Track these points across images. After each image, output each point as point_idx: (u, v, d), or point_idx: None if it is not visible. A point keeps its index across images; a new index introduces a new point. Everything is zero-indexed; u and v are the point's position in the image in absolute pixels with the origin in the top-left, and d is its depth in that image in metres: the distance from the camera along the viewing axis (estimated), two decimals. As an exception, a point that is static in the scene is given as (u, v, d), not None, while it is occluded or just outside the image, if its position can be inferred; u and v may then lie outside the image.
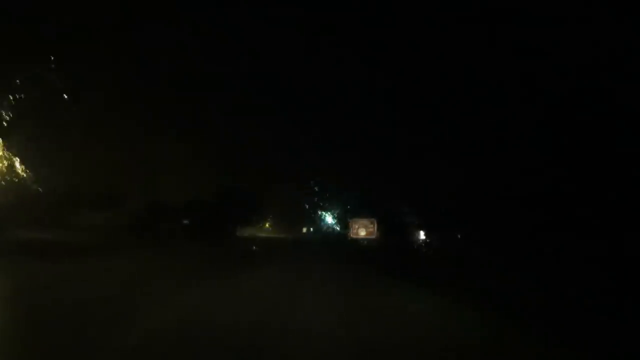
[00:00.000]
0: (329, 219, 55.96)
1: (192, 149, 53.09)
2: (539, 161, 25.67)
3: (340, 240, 35.29)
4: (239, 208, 44.65)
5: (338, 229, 47.95)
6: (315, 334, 7.23)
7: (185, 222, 41.74)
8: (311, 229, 67.46)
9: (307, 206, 57.28)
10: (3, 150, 32.97)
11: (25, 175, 35.46)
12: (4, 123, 33.47)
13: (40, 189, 35.97)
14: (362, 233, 25.35)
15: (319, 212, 55.76)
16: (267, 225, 54.91)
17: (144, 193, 43.77)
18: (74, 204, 40.20)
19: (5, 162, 33.46)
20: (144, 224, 36.39)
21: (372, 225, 25.46)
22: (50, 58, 35.13)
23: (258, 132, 62.79)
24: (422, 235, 32.53)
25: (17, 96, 32.90)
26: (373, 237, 25.30)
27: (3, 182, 33.50)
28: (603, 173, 22.08)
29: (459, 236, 30.15)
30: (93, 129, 48.07)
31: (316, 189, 52.91)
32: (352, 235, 25.34)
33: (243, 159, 57.81)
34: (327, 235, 49.52)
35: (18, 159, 33.76)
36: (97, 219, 40.45)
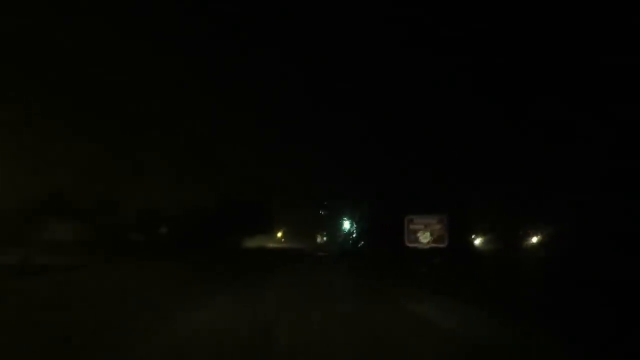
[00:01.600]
0: (347, 224, 49.02)
1: (192, 158, 48.09)
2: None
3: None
4: (244, 217, 38.67)
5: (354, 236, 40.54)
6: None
7: (163, 230, 34.80)
8: (324, 238, 60.79)
9: (322, 212, 50.49)
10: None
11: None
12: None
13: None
14: (425, 239, 16.87)
15: (339, 218, 48.63)
16: (279, 234, 48.79)
17: (133, 203, 37.76)
18: (42, 217, 33.42)
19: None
20: (113, 237, 29.59)
21: (440, 226, 16.91)
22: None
23: (271, 139, 57.87)
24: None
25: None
26: (444, 244, 16.87)
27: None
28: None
29: (536, 240, 22.25)
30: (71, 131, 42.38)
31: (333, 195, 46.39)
32: (409, 243, 16.82)
33: (252, 167, 52.79)
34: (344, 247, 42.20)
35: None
36: (79, 232, 33.91)
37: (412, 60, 26.89)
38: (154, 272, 17.21)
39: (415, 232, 16.89)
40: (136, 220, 36.92)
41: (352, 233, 43.41)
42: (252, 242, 42.43)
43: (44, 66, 37.62)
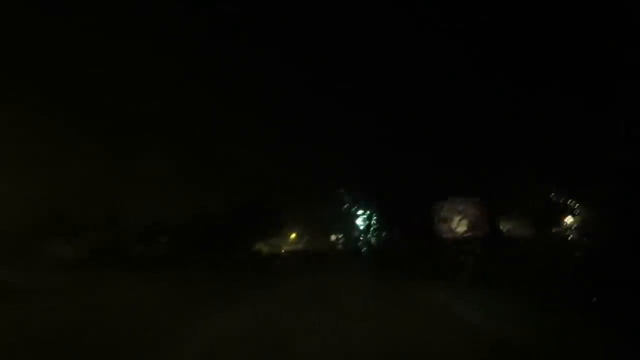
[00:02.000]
0: (362, 221, 46.67)
1: (196, 162, 46.29)
2: None
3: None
4: (254, 221, 36.67)
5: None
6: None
7: (164, 240, 32.68)
8: (339, 237, 58.73)
9: (339, 210, 48.15)
10: None
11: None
12: None
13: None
14: (460, 227, 14.26)
15: (354, 216, 46.27)
16: (292, 236, 46.65)
17: (137, 210, 35.93)
18: (43, 236, 31.63)
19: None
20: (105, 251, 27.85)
21: (478, 211, 14.24)
22: None
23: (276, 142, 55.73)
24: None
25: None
26: (482, 232, 14.23)
27: None
28: None
29: (570, 222, 19.41)
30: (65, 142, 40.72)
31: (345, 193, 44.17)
32: (442, 234, 14.28)
33: (258, 169, 50.78)
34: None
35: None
36: (80, 248, 32.10)
37: (415, 54, 24.82)
38: (155, 292, 15.08)
39: (449, 220, 14.45)
40: (143, 230, 35.08)
41: (369, 229, 41.14)
42: (264, 246, 40.41)
43: (44, 70, 36.13)
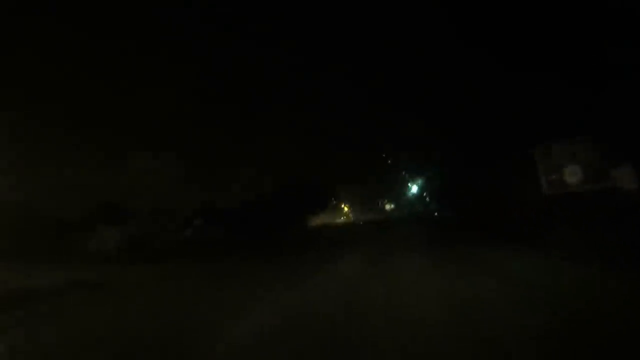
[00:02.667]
0: (415, 188, 44.49)
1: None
2: None
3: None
4: (305, 198, 35.72)
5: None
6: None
7: (197, 222, 31.54)
8: (392, 206, 57.20)
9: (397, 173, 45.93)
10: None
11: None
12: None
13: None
14: (573, 177, 10.91)
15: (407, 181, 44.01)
16: (346, 209, 45.37)
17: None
18: (89, 226, 31.17)
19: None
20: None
21: (596, 154, 10.69)
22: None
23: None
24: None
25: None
26: (607, 184, 10.44)
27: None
28: None
29: None
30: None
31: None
32: (550, 188, 10.77)
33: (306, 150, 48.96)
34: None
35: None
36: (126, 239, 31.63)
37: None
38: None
39: (558, 168, 10.94)
40: (194, 212, 34.65)
41: (426, 195, 38.38)
42: (318, 220, 39.50)
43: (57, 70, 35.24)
